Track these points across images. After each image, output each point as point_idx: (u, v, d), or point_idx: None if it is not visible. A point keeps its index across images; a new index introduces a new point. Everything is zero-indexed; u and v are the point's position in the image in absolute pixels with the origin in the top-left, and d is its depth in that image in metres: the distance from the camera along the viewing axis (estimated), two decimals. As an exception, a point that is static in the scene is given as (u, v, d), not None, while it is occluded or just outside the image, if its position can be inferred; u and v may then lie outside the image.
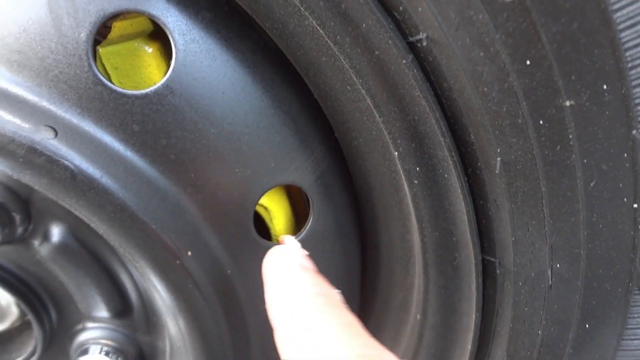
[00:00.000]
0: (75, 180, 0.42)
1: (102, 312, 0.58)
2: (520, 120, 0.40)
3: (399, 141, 0.46)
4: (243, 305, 0.52)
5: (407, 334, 0.64)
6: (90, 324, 0.59)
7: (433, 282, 0.54)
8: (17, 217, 0.49)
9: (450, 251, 0.51)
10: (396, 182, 0.53)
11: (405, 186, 0.50)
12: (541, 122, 0.39)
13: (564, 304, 0.48)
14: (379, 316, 0.67)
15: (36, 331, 0.57)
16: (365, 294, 0.68)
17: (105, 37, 0.52)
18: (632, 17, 0.35)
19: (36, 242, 0.52)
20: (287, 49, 0.49)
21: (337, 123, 0.54)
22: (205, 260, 0.48)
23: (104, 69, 0.49)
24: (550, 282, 0.47)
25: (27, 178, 0.42)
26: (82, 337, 0.59)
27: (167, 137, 0.45)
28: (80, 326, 0.59)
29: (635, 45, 0.36)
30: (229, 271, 0.51)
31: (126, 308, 0.58)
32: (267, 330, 0.55)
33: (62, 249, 0.53)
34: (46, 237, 0.52)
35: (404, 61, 0.39)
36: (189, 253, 0.47)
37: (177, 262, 0.46)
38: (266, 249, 0.52)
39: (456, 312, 0.55)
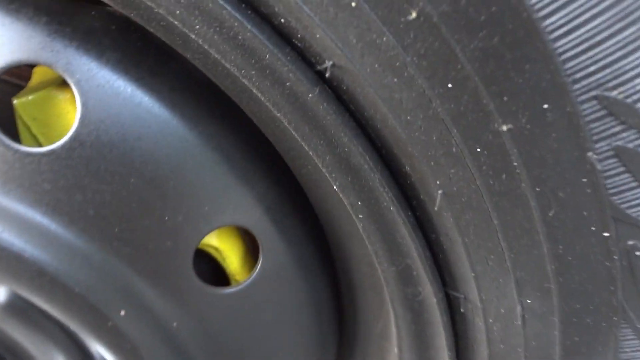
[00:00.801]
0: (-18, 251, 0.39)
1: (64, 365, 0.56)
2: (454, 149, 0.34)
3: (333, 175, 0.41)
4: (197, 355, 0.49)
5: (392, 365, 0.59)
6: (56, 377, 0.57)
7: (401, 318, 0.49)
8: (-46, 283, 0.47)
9: (414, 286, 0.46)
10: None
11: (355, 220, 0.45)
12: (478, 149, 0.34)
13: (542, 341, 0.42)
14: (363, 345, 0.63)
15: (1, 389, 0.55)
16: (347, 322, 0.63)
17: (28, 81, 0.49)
18: (565, 24, 0.29)
19: (-18, 304, 0.50)
20: (215, 78, 0.45)
21: (283, 150, 0.49)
22: (142, 317, 0.45)
23: (22, 121, 0.46)
24: (522, 319, 0.42)
25: None
26: (49, 390, 0.57)
27: (82, 193, 0.42)
28: (46, 380, 0.57)
29: (575, 56, 0.29)
30: (174, 324, 0.47)
31: (86, 358, 0.56)
32: (226, 380, 0.52)
33: (9, 308, 0.50)
34: (-10, 298, 0.50)
35: (310, 95, 0.34)
36: (122, 312, 0.44)
37: (109, 324, 0.43)
38: (214, 295, 0.48)
39: (431, 348, 0.50)
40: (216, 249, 0.52)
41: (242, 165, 0.47)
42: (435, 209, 0.37)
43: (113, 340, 0.44)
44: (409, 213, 0.40)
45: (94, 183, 0.42)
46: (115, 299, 0.43)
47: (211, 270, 0.58)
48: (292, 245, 0.51)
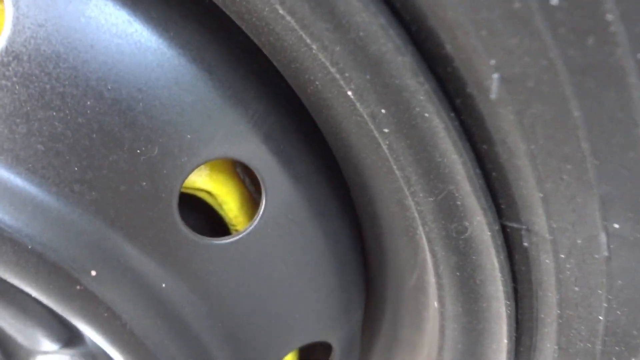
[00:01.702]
0: None
1: (48, 345, 0.48)
2: (517, 5, 0.24)
3: (347, 74, 0.31)
4: (193, 321, 0.40)
5: (430, 322, 0.50)
6: (42, 358, 0.50)
7: (443, 262, 0.39)
8: None
9: (458, 220, 0.36)
10: (372, 131, 0.38)
11: (378, 137, 0.35)
12: (555, 0, 0.23)
13: (633, 279, 0.33)
14: (395, 301, 0.53)
15: (-20, 373, 0.48)
16: (374, 276, 0.54)
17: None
18: None
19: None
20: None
21: (283, 64, 0.39)
22: (120, 278, 0.36)
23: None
24: (607, 250, 0.32)
25: None
26: (36, 371, 0.50)
27: (26, 122, 0.33)
28: (30, 360, 0.50)
29: None
30: (163, 284, 0.38)
31: (74, 336, 0.48)
32: (231, 346, 0.43)
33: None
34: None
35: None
36: (93, 273, 0.35)
37: (78, 287, 0.34)
38: (209, 248, 0.39)
39: (482, 298, 0.40)
40: (210, 193, 0.43)
41: (231, 81, 0.37)
42: (493, 97, 0.26)
43: (84, 306, 0.35)
44: (452, 115, 0.30)
45: (39, 109, 0.33)
46: (82, 256, 0.35)
47: (208, 222, 0.49)
48: (300, 182, 0.41)
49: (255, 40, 0.38)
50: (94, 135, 0.34)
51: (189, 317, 0.40)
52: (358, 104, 0.32)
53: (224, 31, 0.38)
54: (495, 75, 0.26)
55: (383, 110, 0.31)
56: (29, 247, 0.33)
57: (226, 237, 0.40)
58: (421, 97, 0.29)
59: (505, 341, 0.41)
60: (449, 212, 0.36)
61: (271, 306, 0.43)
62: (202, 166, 0.41)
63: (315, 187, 0.42)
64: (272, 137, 0.39)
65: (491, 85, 0.26)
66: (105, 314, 0.36)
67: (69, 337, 0.48)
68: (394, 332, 0.56)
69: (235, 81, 0.37)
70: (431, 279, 0.46)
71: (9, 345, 0.49)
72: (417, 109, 0.30)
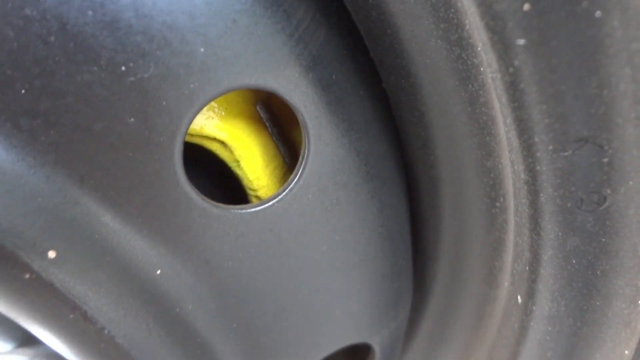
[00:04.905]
0: None
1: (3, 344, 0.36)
2: None
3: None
4: (199, 322, 0.28)
5: (497, 319, 0.39)
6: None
7: (555, 245, 0.28)
8: None
9: (596, 186, 0.25)
10: (465, 62, 0.26)
11: (490, 64, 0.23)
12: None
13: None
14: (446, 293, 0.42)
15: None
16: (422, 259, 0.43)
17: None
18: None
19: None
20: None
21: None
22: (93, 261, 0.24)
23: None
24: None
25: None
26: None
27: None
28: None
29: None
30: (158, 271, 0.26)
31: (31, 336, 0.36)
32: (249, 354, 0.32)
33: None
34: None
35: None
36: (51, 254, 0.23)
37: (27, 275, 0.22)
38: (221, 219, 0.27)
39: (598, 295, 0.29)
40: (224, 144, 0.30)
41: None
42: None
43: (37, 304, 0.23)
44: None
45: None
46: (34, 229, 0.22)
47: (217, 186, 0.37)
48: (357, 131, 0.29)
49: None
50: (52, 40, 0.21)
51: (193, 317, 0.28)
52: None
53: None
54: None
55: (527, 6, 0.19)
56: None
57: (250, 205, 0.28)
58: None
59: (626, 351, 0.30)
60: (586, 173, 0.24)
61: (304, 301, 0.31)
62: (215, 104, 0.29)
63: (373, 140, 0.30)
64: (323, 63, 0.27)
65: None
66: (71, 315, 0.24)
67: (25, 335, 0.36)
68: (440, 330, 0.45)
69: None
70: (514, 266, 0.35)
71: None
72: (585, 3, 0.19)
